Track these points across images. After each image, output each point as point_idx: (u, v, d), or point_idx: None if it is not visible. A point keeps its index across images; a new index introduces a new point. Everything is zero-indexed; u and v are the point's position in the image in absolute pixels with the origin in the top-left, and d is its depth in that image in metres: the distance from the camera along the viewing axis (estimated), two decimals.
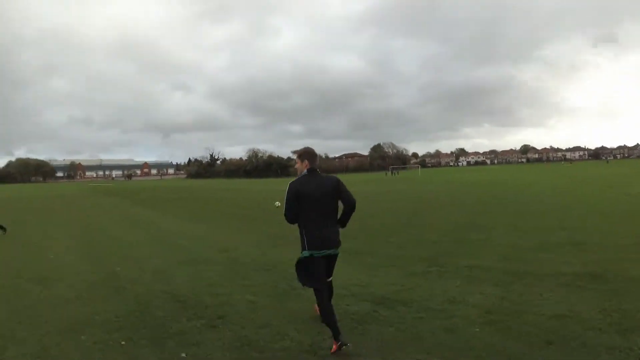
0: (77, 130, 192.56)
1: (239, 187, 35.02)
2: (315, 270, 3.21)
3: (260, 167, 75.76)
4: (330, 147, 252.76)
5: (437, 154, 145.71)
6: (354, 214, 3.38)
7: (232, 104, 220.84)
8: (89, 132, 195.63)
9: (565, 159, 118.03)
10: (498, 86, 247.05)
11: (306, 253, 3.22)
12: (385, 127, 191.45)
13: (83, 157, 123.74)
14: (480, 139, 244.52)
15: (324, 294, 3.21)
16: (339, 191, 3.29)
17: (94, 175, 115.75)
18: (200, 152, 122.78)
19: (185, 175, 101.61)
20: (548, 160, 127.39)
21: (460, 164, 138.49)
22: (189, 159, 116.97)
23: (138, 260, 6.37)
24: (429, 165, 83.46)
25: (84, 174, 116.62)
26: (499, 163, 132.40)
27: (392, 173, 60.37)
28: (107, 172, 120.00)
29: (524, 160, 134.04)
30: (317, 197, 3.21)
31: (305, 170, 3.35)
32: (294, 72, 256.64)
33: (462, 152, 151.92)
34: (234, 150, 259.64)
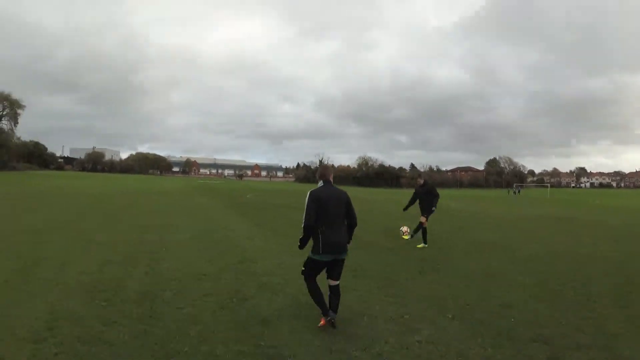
0: (194, 134, 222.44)
1: (356, 195, 35.59)
2: (318, 269, 4.05)
3: (371, 175, 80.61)
4: (438, 158, 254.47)
5: (556, 172, 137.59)
6: None
7: (337, 115, 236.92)
8: (205, 136, 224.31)
9: None
10: (614, 97, 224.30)
11: (317, 257, 3.96)
12: (493, 140, 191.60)
13: (199, 156, 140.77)
14: (597, 158, 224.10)
15: (314, 279, 4.05)
16: (348, 204, 4.15)
17: (207, 173, 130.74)
18: (308, 158, 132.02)
19: (293, 179, 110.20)
20: None
21: (582, 185, 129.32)
22: (298, 163, 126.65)
23: None
24: (547, 184, 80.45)
25: (198, 171, 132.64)
26: (626, 187, 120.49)
27: (515, 192, 60.45)
28: (220, 171, 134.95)
29: None
30: (334, 204, 4.01)
31: (321, 182, 4.16)
32: (394, 83, 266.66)
33: (582, 171, 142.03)
34: (342, 158, 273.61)
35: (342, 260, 4.09)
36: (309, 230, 3.93)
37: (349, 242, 4.14)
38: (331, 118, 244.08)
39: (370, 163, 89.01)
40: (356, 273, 5.95)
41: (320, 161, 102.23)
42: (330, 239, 3.90)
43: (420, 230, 8.61)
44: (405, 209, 9.14)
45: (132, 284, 5.06)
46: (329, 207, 3.93)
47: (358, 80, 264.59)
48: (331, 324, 3.87)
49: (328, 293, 4.06)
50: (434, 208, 8.56)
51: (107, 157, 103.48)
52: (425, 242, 8.43)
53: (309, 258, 4.02)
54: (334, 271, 4.05)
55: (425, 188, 8.75)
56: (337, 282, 4.08)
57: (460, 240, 9.73)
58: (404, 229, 9.23)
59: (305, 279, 4.05)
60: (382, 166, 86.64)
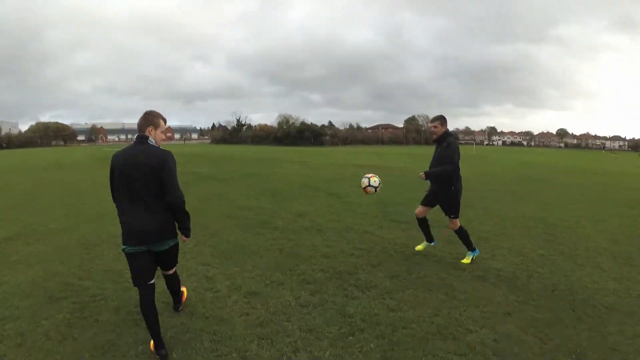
0: (100, 98, 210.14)
1: (289, 157, 35.29)
2: (138, 268, 3.30)
3: (293, 134, 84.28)
4: (352, 117, 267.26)
5: (469, 130, 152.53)
6: None
7: (250, 74, 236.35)
8: (112, 100, 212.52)
9: (605, 148, 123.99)
10: (517, 65, 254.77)
11: (124, 248, 3.27)
12: (403, 99, 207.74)
13: (106, 121, 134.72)
14: (502, 119, 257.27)
15: (144, 285, 3.34)
16: (160, 172, 3.14)
17: (116, 139, 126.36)
18: (224, 118, 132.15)
19: (209, 141, 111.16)
20: (587, 147, 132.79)
21: (494, 143, 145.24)
22: (213, 124, 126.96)
23: None
24: (462, 142, 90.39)
25: (106, 138, 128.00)
26: (536, 145, 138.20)
27: None
28: (129, 136, 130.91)
29: (562, 145, 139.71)
30: (138, 173, 3.12)
31: (134, 138, 3.27)
32: (308, 43, 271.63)
33: (493, 130, 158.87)
34: (257, 117, 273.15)
35: (165, 251, 3.37)
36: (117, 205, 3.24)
37: (174, 228, 3.34)
38: (245, 77, 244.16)
39: (291, 121, 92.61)
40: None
41: (238, 120, 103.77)
42: (131, 223, 3.14)
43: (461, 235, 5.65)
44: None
45: None
46: (131, 176, 3.08)
47: (271, 39, 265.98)
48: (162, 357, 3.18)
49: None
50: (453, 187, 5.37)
51: (4, 130, 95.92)
52: (471, 250, 5.67)
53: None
54: (162, 263, 3.50)
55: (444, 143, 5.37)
56: (171, 271, 3.65)
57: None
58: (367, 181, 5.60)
59: (135, 285, 3.29)
60: (303, 124, 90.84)
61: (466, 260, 5.59)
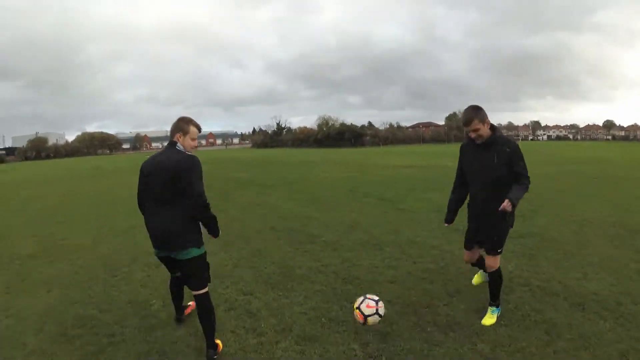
0: (143, 107, 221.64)
1: (331, 158, 33.93)
2: (168, 267, 3.59)
3: (332, 135, 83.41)
4: (390, 117, 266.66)
5: (512, 126, 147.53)
6: None
7: (287, 77, 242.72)
8: (154, 108, 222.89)
9: None
10: (554, 54, 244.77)
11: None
12: (441, 96, 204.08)
13: (149, 129, 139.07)
14: (546, 113, 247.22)
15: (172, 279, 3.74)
16: (179, 175, 3.11)
17: (159, 146, 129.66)
18: (264, 122, 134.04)
19: (250, 145, 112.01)
20: (636, 139, 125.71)
21: (539, 137, 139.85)
22: (254, 128, 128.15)
23: None
24: (519, 137, 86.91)
25: (150, 145, 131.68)
26: (582, 139, 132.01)
27: None
28: None
29: (609, 137, 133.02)
30: (159, 175, 3.18)
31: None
32: (340, 45, 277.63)
33: (537, 125, 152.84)
34: (297, 120, 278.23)
35: (187, 261, 3.18)
36: (142, 211, 3.38)
37: (197, 237, 3.22)
38: (281, 81, 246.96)
39: (330, 123, 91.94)
40: None
41: (278, 124, 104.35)
42: (151, 225, 3.22)
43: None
44: (452, 210, 4.08)
45: None
46: (154, 180, 3.15)
47: (305, 43, 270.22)
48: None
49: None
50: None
51: (52, 141, 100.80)
52: (496, 305, 3.94)
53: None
54: (183, 276, 3.39)
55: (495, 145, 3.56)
56: (199, 292, 3.25)
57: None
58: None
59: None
60: (343, 125, 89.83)
61: (491, 321, 3.80)
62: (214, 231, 3.34)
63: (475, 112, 3.52)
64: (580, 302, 4.18)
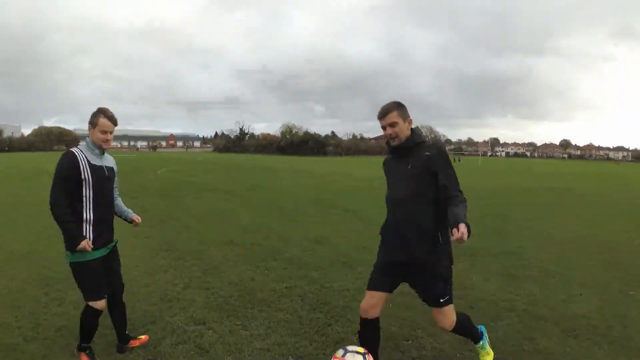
0: (105, 104, 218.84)
1: (294, 167, 34.63)
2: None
3: (296, 143, 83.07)
4: (353, 128, 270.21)
5: (472, 141, 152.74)
6: None
7: (253, 84, 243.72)
8: (116, 105, 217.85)
9: (608, 158, 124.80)
10: (517, 77, 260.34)
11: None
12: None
13: None
14: (505, 130, 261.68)
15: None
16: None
17: (118, 146, 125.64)
18: (227, 127, 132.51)
19: (212, 149, 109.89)
20: (590, 157, 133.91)
21: (497, 154, 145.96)
22: (216, 132, 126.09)
23: None
24: (466, 153, 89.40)
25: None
26: (539, 156, 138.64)
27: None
28: (132, 143, 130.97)
29: (565, 155, 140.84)
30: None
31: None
32: (310, 57, 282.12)
33: (496, 141, 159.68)
34: (261, 127, 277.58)
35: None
36: None
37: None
38: (247, 87, 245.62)
39: (294, 131, 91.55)
40: None
41: (241, 129, 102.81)
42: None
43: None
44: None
45: None
46: None
47: (273, 51, 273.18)
48: None
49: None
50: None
51: (7, 134, 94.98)
52: (480, 338, 3.14)
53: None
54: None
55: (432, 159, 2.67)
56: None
57: None
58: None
59: None
60: (307, 133, 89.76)
61: (488, 358, 3.14)
62: (65, 241, 2.91)
63: (396, 105, 2.81)
64: (571, 328, 3.94)
